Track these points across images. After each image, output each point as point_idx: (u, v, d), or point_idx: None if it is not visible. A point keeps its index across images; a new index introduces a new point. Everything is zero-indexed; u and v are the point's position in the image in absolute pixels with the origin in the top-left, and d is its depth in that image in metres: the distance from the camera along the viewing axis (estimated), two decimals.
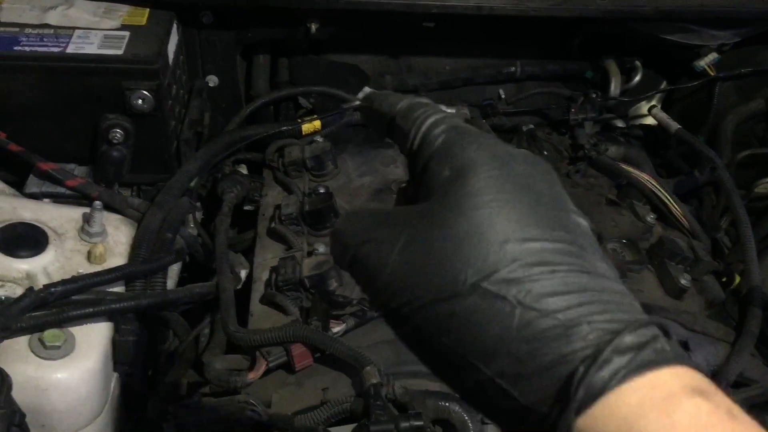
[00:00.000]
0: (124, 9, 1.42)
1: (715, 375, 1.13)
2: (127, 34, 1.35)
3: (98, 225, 1.18)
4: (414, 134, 0.53)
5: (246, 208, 1.47)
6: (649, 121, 1.78)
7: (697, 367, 0.44)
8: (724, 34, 1.62)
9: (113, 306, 1.06)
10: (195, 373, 1.20)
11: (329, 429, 0.99)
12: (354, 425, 0.98)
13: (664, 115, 1.67)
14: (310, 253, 1.27)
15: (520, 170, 0.49)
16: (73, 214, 1.22)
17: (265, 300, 1.22)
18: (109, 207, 1.26)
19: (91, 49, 1.31)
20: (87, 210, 1.21)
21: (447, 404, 1.00)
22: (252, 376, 1.06)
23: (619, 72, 1.76)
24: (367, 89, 1.75)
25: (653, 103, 1.77)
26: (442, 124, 0.53)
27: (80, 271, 1.12)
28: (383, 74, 1.79)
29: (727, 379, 1.12)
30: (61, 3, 1.41)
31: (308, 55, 1.74)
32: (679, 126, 1.62)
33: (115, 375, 1.11)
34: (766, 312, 1.21)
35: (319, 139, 1.51)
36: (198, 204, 1.48)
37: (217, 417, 1.00)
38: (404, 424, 0.94)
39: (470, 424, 1.00)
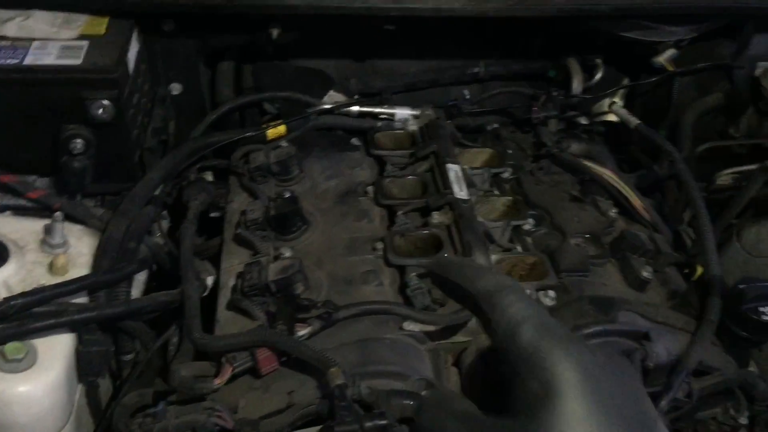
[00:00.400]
0: (83, 19, 1.42)
1: (676, 364, 1.14)
2: (85, 43, 1.35)
3: (59, 236, 1.17)
4: (497, 323, 0.54)
5: (212, 215, 1.47)
6: (612, 117, 1.80)
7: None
8: (680, 30, 1.65)
9: (75, 317, 1.06)
10: (162, 383, 1.20)
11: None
12: (320, 427, 0.98)
13: (624, 111, 1.70)
14: (276, 258, 1.28)
15: (606, 389, 0.50)
16: (35, 226, 1.21)
17: (232, 306, 1.22)
18: (71, 218, 1.25)
19: (49, 59, 1.30)
20: (48, 221, 1.20)
21: (411, 403, 1.01)
22: (218, 381, 1.06)
23: (581, 70, 1.78)
24: (332, 93, 1.76)
25: (615, 99, 1.80)
26: (527, 322, 0.54)
27: (42, 282, 1.11)
28: (348, 78, 1.80)
29: (687, 367, 1.14)
30: (18, 14, 1.40)
31: (273, 60, 1.75)
32: (639, 121, 1.64)
33: (80, 386, 1.11)
34: (725, 301, 1.24)
35: (284, 143, 1.52)
36: (164, 212, 1.48)
37: (183, 424, 1.00)
38: (368, 424, 0.94)
39: None
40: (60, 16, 1.41)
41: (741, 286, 1.22)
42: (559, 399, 0.49)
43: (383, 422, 0.95)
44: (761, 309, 1.20)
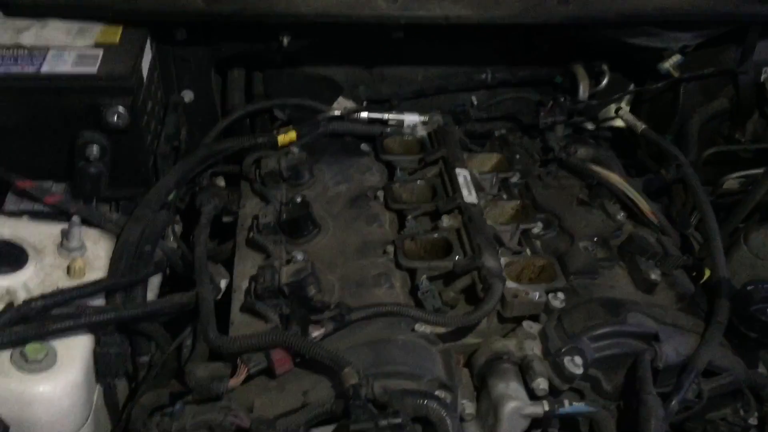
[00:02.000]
0: (97, 28, 1.45)
1: (686, 365, 1.16)
2: (100, 52, 1.37)
3: (77, 240, 1.19)
4: None
5: (225, 219, 1.49)
6: (619, 123, 1.82)
7: None
8: (685, 36, 1.67)
9: (93, 318, 1.08)
10: (178, 384, 1.21)
11: (311, 430, 1.01)
12: (335, 426, 1.00)
13: (630, 116, 1.72)
14: (288, 261, 1.29)
15: None
16: (52, 230, 1.23)
17: (245, 308, 1.24)
18: (87, 222, 1.28)
19: (66, 67, 1.33)
20: (65, 226, 1.22)
21: (425, 402, 1.02)
22: (233, 382, 1.08)
23: (588, 76, 1.81)
24: (341, 100, 1.78)
25: (621, 105, 1.82)
26: None
27: (60, 285, 1.13)
28: (357, 85, 1.82)
29: (697, 368, 1.15)
30: (34, 24, 1.43)
31: (282, 68, 1.77)
32: (645, 126, 1.66)
33: (98, 386, 1.12)
34: (733, 303, 1.25)
35: (295, 149, 1.53)
36: (177, 217, 1.50)
37: (200, 423, 1.02)
38: (383, 422, 0.96)
39: (448, 421, 1.02)
40: (75, 26, 1.44)
41: (749, 288, 1.23)
42: None
43: (398, 420, 0.96)
44: None
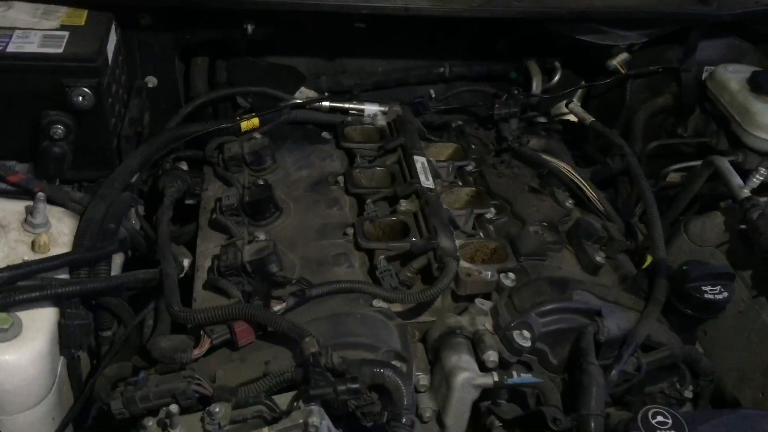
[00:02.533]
0: (63, 10, 1.46)
1: (625, 338, 1.23)
2: (66, 33, 1.39)
3: (42, 216, 1.21)
4: None
5: (187, 201, 1.52)
6: (570, 117, 1.90)
7: None
8: (632, 35, 1.76)
9: (59, 290, 1.10)
10: (140, 360, 1.24)
11: (272, 397, 1.05)
12: (295, 392, 1.04)
13: (579, 109, 1.80)
14: (250, 242, 1.33)
15: None
16: (16, 206, 1.25)
17: (208, 285, 1.27)
18: (51, 201, 1.29)
19: (32, 48, 1.34)
20: (30, 203, 1.24)
21: (381, 370, 1.07)
22: (196, 352, 1.11)
23: (541, 72, 1.89)
24: (304, 89, 1.83)
25: (572, 99, 1.90)
26: None
27: (25, 259, 1.15)
28: (319, 75, 1.87)
29: (636, 341, 1.23)
30: (0, 5, 1.44)
31: (246, 57, 1.81)
32: (593, 119, 1.74)
33: (62, 359, 1.15)
34: (671, 282, 1.33)
35: (257, 135, 1.57)
36: (140, 199, 1.52)
37: (164, 391, 1.04)
38: (341, 387, 1.01)
39: (403, 389, 1.07)
40: (41, 7, 1.45)
41: (685, 267, 1.32)
42: None
43: (355, 386, 1.01)
44: (703, 287, 1.29)
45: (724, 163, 1.57)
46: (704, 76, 1.82)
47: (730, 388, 1.48)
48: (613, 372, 1.20)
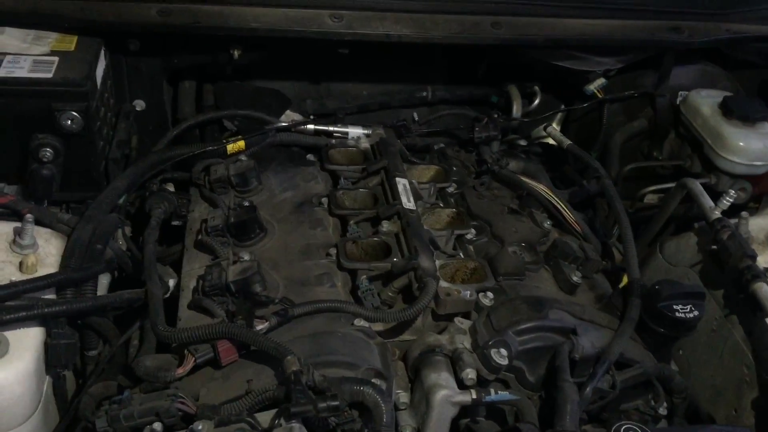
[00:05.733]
0: (53, 36, 1.50)
1: (600, 356, 1.26)
2: (56, 59, 1.43)
3: (29, 237, 1.23)
4: None
5: (174, 223, 1.55)
6: (550, 140, 1.95)
7: None
8: (608, 61, 1.82)
9: (45, 310, 1.12)
10: (125, 380, 1.26)
11: (254, 415, 1.07)
12: (277, 410, 1.06)
13: (558, 133, 1.85)
14: (235, 262, 1.35)
15: None
16: (5, 228, 1.27)
17: (193, 305, 1.30)
18: (39, 222, 1.31)
19: (22, 72, 1.38)
20: (18, 225, 1.26)
21: (361, 388, 1.10)
22: (180, 371, 1.13)
23: (521, 96, 1.94)
24: (289, 112, 1.87)
25: (552, 124, 1.95)
26: None
27: (13, 279, 1.17)
28: (304, 99, 1.91)
29: (610, 358, 1.26)
30: None
31: (232, 80, 1.85)
32: (571, 142, 1.79)
33: (48, 377, 1.17)
34: (643, 301, 1.37)
35: (243, 158, 1.61)
36: (127, 221, 1.55)
37: (148, 409, 1.06)
38: (322, 405, 1.03)
39: (383, 406, 1.10)
40: (31, 33, 1.49)
41: (656, 287, 1.36)
42: None
43: (336, 403, 1.03)
44: (674, 306, 1.33)
45: (696, 186, 1.62)
46: (678, 100, 1.88)
47: (705, 404, 1.51)
48: (588, 389, 1.23)
